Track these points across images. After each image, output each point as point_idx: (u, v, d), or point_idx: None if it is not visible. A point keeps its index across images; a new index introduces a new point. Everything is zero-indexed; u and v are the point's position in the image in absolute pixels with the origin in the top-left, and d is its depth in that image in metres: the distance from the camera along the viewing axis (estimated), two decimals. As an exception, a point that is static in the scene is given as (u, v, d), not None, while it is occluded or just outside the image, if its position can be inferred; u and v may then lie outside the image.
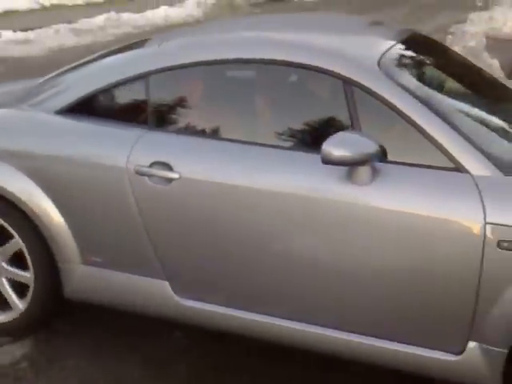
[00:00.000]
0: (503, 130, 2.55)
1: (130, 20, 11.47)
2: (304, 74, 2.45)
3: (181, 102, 2.63)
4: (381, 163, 2.20)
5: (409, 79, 2.47)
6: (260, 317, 2.43)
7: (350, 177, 2.20)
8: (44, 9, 12.68)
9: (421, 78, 2.64)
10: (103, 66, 2.85)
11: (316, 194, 2.25)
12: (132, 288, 2.65)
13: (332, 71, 2.34)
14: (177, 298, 2.58)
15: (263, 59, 2.48)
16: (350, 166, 2.18)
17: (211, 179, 2.40)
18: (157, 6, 12.42)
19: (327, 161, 2.15)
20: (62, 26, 10.53)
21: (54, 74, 3.11)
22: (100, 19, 11.19)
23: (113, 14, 11.46)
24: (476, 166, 2.13)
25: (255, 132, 2.51)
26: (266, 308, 2.42)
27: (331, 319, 2.35)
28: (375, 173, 2.19)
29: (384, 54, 2.48)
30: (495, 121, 2.60)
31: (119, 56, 2.90)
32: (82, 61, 3.09)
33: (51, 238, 2.67)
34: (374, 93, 2.27)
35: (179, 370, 2.68)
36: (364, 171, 2.18)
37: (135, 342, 2.84)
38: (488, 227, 2.05)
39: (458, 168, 2.15)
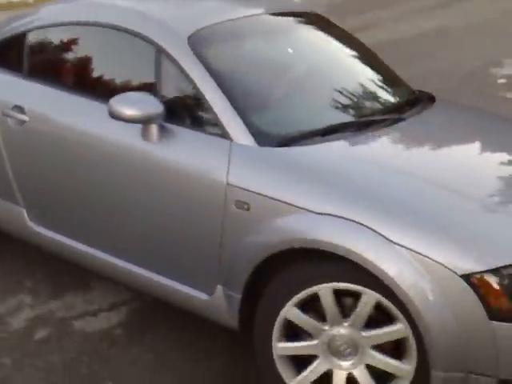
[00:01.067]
0: (299, 106, 2.70)
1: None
2: (127, 37, 2.79)
3: (44, 56, 3.19)
4: (169, 124, 2.55)
5: (215, 54, 2.67)
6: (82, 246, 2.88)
7: (141, 133, 2.56)
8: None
9: (234, 52, 2.81)
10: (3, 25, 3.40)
11: (113, 144, 2.68)
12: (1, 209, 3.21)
13: (149, 38, 2.69)
14: (30, 224, 3.08)
15: (97, 22, 2.92)
16: (141, 124, 2.52)
17: (50, 123, 2.91)
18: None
19: (116, 117, 2.50)
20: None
21: None
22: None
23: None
24: (237, 135, 2.41)
25: (86, 86, 2.96)
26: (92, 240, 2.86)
27: (110, 245, 2.80)
28: (162, 131, 2.53)
29: (202, 28, 2.73)
30: (301, 99, 2.74)
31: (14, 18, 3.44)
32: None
33: None
34: (177, 63, 2.59)
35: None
36: (151, 129, 2.52)
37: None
38: (228, 188, 2.34)
39: (224, 135, 2.44)
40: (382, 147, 2.54)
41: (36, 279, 3.32)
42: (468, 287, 1.97)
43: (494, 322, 1.97)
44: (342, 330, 2.21)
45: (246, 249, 2.32)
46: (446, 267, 1.99)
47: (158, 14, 2.84)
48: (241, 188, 2.32)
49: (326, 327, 2.23)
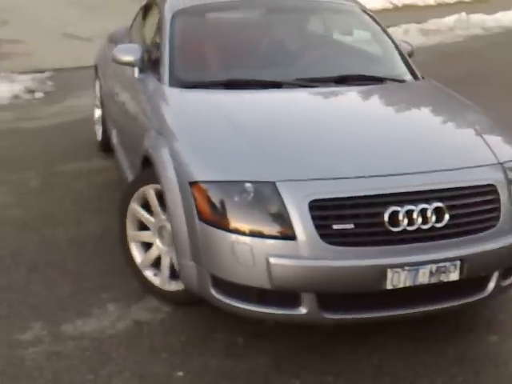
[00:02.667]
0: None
1: (479, 21, 11.28)
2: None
3: None
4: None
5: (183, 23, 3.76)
6: None
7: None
8: (396, 9, 12.85)
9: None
10: None
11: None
12: None
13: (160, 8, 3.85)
14: None
15: None
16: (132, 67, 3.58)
17: None
18: (508, 9, 11.81)
19: (118, 62, 3.61)
20: (412, 26, 10.61)
21: None
22: (450, 20, 11.12)
23: (463, 15, 11.31)
24: (163, 80, 3.35)
25: None
26: None
27: None
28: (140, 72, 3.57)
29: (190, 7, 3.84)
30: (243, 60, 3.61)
31: None
32: None
33: None
34: (161, 26, 3.74)
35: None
36: (134, 70, 3.57)
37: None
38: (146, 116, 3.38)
39: (159, 80, 3.40)
40: (259, 101, 3.25)
41: None
42: (190, 192, 2.63)
43: (201, 223, 2.59)
44: (165, 223, 2.91)
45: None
46: (187, 175, 2.67)
47: None
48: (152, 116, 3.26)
49: (153, 220, 3.01)
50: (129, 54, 3.56)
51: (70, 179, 4.57)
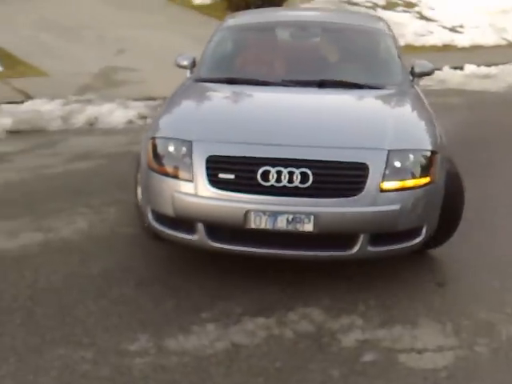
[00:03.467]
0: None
1: None
2: None
3: None
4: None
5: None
6: None
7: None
8: (510, 45, 12.76)
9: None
10: None
11: None
12: None
13: None
14: None
15: None
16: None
17: None
18: None
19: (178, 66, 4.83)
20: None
21: None
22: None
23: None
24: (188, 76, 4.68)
25: None
26: None
27: None
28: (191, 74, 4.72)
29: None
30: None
31: None
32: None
33: None
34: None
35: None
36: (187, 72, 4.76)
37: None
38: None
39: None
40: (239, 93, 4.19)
41: (369, 305, 3.52)
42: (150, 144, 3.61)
43: (147, 169, 3.58)
44: None
45: None
46: (150, 133, 3.73)
47: None
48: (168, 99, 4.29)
49: None
50: (184, 60, 4.76)
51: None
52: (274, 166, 3.28)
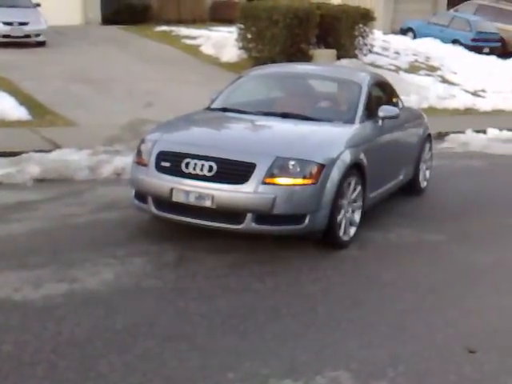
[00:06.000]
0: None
1: None
2: None
3: None
4: None
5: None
6: None
7: None
8: None
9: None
10: None
11: None
12: None
13: None
14: None
15: None
16: None
17: None
18: None
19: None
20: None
21: None
22: None
23: None
24: None
25: None
26: None
27: None
28: None
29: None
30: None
31: None
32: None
33: None
34: None
35: None
36: None
37: None
38: None
39: None
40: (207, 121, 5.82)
41: (398, 371, 3.35)
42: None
43: (133, 163, 5.27)
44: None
45: None
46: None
47: None
48: None
49: None
50: (213, 94, 6.15)
51: (204, 254, 4.78)
52: (193, 159, 4.78)
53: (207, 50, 14.99)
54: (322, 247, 5.03)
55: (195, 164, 4.74)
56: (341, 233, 5.01)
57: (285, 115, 5.55)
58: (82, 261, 4.52)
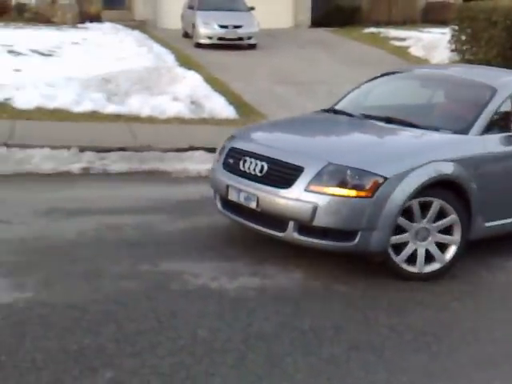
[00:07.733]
0: None
1: None
2: None
3: None
4: None
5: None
6: None
7: None
8: None
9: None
10: None
11: None
12: None
13: None
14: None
15: None
16: None
17: None
18: None
19: None
20: None
21: None
22: None
23: None
24: None
25: None
26: None
27: None
28: None
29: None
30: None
31: None
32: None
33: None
34: None
35: None
36: None
37: None
38: None
39: None
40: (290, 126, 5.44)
41: None
42: None
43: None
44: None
45: None
46: None
47: None
48: None
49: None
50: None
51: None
52: (250, 156, 4.53)
53: (416, 51, 14.56)
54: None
55: (250, 162, 4.49)
56: (400, 260, 4.21)
57: (388, 120, 4.88)
58: (273, 257, 4.59)
